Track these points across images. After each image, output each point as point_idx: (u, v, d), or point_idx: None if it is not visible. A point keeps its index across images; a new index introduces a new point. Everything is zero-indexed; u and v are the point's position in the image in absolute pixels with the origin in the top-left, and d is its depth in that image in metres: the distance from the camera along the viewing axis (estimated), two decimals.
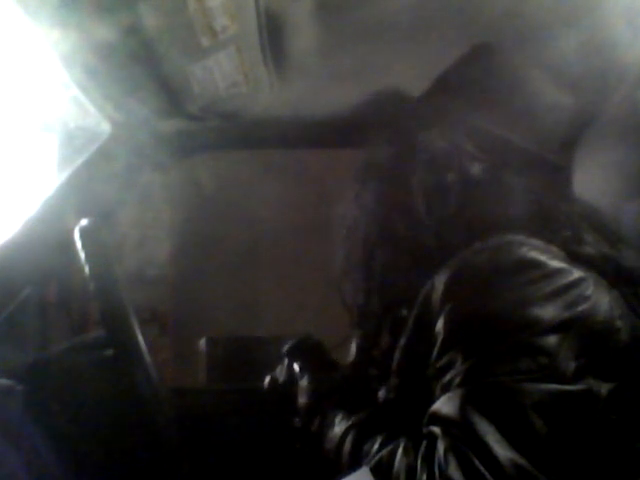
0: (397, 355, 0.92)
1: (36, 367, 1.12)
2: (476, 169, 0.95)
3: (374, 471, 0.79)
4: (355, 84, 1.31)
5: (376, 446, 0.84)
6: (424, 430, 0.78)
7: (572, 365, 0.75)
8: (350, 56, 1.21)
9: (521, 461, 0.69)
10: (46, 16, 0.95)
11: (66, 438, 1.05)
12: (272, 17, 1.07)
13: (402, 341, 0.91)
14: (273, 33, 1.10)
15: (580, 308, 0.78)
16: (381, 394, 0.95)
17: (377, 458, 0.81)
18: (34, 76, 1.28)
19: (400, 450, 0.79)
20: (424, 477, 0.73)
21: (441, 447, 0.73)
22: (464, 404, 0.74)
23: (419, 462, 0.75)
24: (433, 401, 0.79)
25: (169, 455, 1.02)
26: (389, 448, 0.81)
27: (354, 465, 0.83)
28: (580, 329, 0.77)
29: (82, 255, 1.04)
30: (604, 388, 0.76)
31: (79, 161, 1.35)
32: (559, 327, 0.76)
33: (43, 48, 1.07)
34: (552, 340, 0.75)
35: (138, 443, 1.06)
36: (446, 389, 0.77)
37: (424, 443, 0.76)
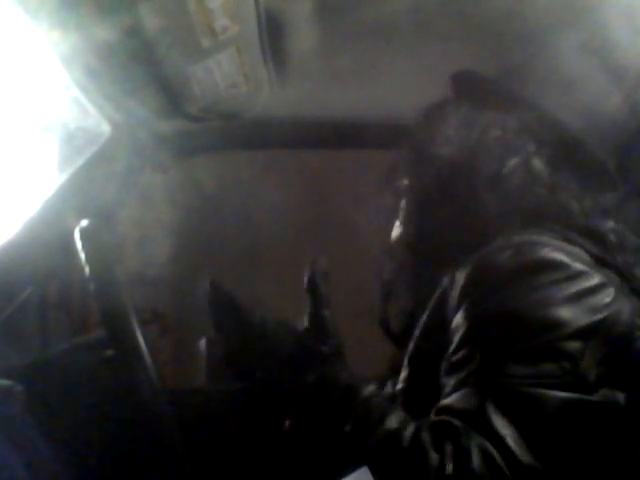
0: (411, 345, 0.92)
1: (36, 367, 1.12)
2: (538, 160, 0.95)
3: (389, 445, 0.75)
4: (355, 84, 1.31)
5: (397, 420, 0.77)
6: (434, 418, 0.76)
7: (594, 373, 0.74)
8: (350, 56, 1.21)
9: (537, 465, 0.69)
10: (46, 16, 0.95)
11: (66, 438, 1.05)
12: (272, 18, 1.07)
13: (417, 332, 0.91)
14: (273, 33, 1.10)
15: (602, 315, 0.77)
16: (389, 386, 0.95)
17: (402, 434, 0.75)
18: (34, 76, 1.28)
19: (427, 437, 0.74)
20: (450, 467, 0.70)
21: (466, 440, 0.71)
22: (484, 403, 0.73)
23: (448, 450, 0.72)
24: (441, 394, 0.78)
25: (169, 455, 1.02)
26: (411, 427, 0.76)
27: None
28: (602, 336, 0.76)
29: (82, 256, 1.04)
30: (621, 398, 0.75)
31: (79, 162, 1.35)
32: (583, 332, 0.75)
33: (43, 48, 1.07)
34: (576, 345, 0.74)
35: (138, 443, 1.06)
36: (463, 384, 0.76)
37: (445, 432, 0.73)
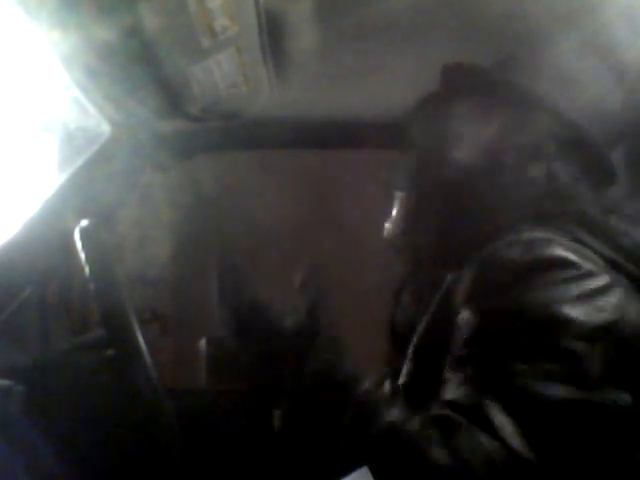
0: (415, 340, 0.92)
1: (36, 367, 1.12)
2: (558, 164, 0.94)
3: (391, 438, 0.75)
4: (355, 84, 1.31)
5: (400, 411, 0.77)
6: (437, 412, 0.76)
7: (600, 374, 0.74)
8: (350, 56, 1.21)
9: (538, 463, 0.69)
10: (46, 16, 0.95)
11: (66, 438, 1.05)
12: (272, 17, 1.07)
13: (421, 327, 0.91)
14: (273, 33, 1.10)
15: (610, 316, 0.77)
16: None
17: (405, 427, 0.75)
18: (34, 76, 1.28)
19: (433, 431, 0.74)
20: (454, 463, 0.70)
21: (470, 437, 0.71)
22: (488, 400, 0.73)
23: (453, 445, 0.72)
24: (443, 389, 0.78)
25: (169, 455, 1.02)
26: (415, 420, 0.76)
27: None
28: (609, 337, 0.76)
29: (82, 255, 1.04)
30: (627, 399, 0.75)
31: (79, 162, 1.35)
32: (590, 333, 0.75)
33: (43, 48, 1.07)
34: (583, 345, 0.74)
35: (138, 443, 1.06)
36: (467, 380, 0.76)
37: (450, 427, 0.73)
